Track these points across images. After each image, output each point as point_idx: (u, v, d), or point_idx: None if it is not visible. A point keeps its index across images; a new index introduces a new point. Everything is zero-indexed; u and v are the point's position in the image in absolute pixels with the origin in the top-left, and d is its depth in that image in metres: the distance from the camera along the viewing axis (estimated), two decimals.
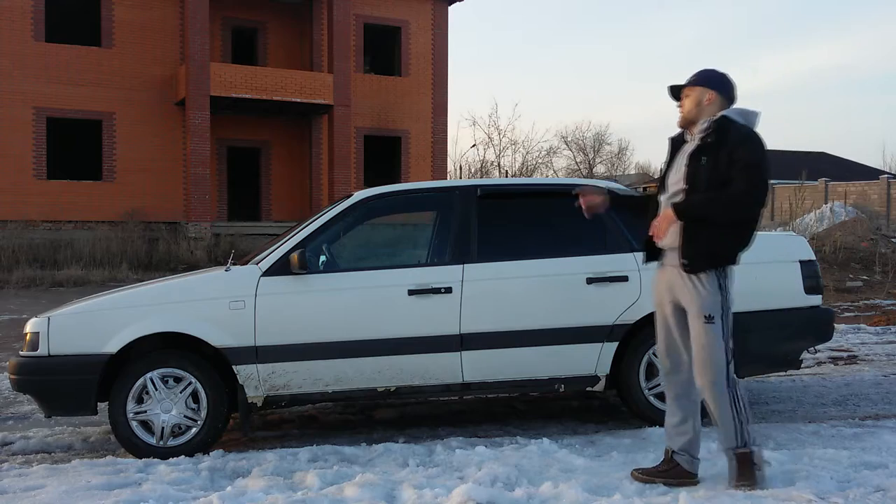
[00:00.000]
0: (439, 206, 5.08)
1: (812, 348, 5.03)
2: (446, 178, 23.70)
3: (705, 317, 3.33)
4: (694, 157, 3.33)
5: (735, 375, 3.36)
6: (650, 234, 3.44)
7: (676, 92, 3.46)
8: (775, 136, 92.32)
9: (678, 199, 3.35)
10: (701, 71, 3.45)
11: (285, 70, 20.27)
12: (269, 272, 4.39)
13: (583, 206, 3.70)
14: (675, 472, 3.48)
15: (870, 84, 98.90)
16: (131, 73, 19.62)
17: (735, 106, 3.41)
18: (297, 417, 5.37)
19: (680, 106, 3.44)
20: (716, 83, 3.39)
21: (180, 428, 4.31)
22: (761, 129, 3.39)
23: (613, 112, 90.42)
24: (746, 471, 3.32)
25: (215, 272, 4.64)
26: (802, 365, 5.07)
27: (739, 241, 3.35)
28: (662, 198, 3.48)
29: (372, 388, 4.44)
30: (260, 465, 3.95)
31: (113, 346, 4.24)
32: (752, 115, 3.40)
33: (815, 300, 4.82)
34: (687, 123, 3.42)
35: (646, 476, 3.48)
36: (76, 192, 19.18)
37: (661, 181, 3.55)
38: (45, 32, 18.88)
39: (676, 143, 3.50)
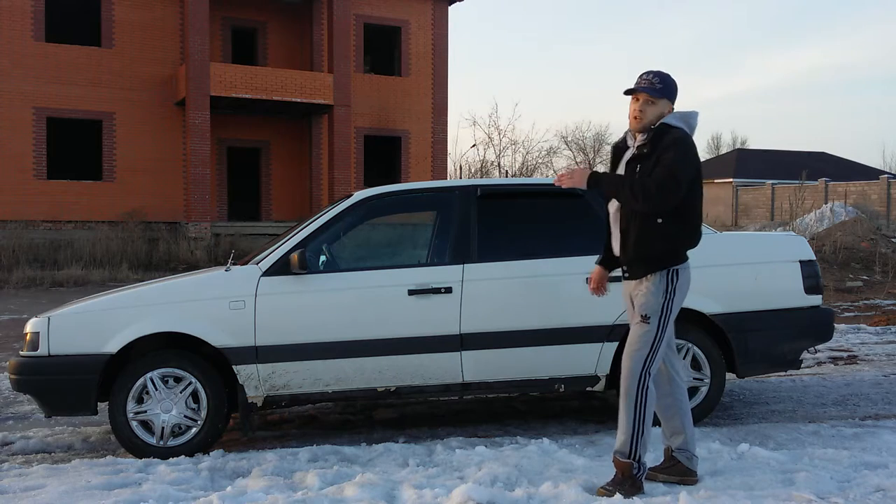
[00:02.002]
0: (439, 206, 5.08)
1: (812, 348, 5.03)
2: (446, 178, 23.69)
3: (641, 316, 3.38)
4: (630, 164, 3.42)
5: (651, 386, 3.36)
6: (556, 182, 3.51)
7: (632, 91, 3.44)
8: (775, 136, 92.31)
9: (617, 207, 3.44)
10: (667, 80, 3.40)
11: (285, 70, 20.26)
12: (269, 272, 4.39)
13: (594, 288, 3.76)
14: (676, 469, 3.52)
15: (870, 84, 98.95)
16: (131, 73, 19.63)
17: (676, 110, 3.45)
18: (297, 417, 5.37)
19: (640, 110, 3.39)
20: (669, 91, 3.41)
21: (180, 428, 4.31)
22: (699, 131, 3.48)
23: (613, 112, 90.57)
24: (618, 480, 3.34)
25: (215, 272, 4.64)
26: (802, 365, 5.08)
27: (675, 244, 3.38)
28: (611, 208, 3.53)
29: (372, 388, 4.44)
30: (260, 465, 3.95)
31: (113, 346, 4.24)
32: (691, 117, 3.45)
33: (816, 300, 4.83)
34: (643, 130, 3.41)
35: (647, 473, 3.48)
36: (76, 192, 19.18)
37: None
38: (45, 32, 18.89)
39: (619, 150, 3.57)
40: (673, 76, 3.46)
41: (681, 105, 3.48)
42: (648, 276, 3.37)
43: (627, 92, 3.43)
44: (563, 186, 3.47)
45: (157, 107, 19.93)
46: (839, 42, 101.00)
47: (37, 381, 4.31)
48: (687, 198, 3.33)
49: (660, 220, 3.31)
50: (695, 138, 3.43)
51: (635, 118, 3.40)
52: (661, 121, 3.38)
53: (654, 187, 3.24)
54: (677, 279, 3.38)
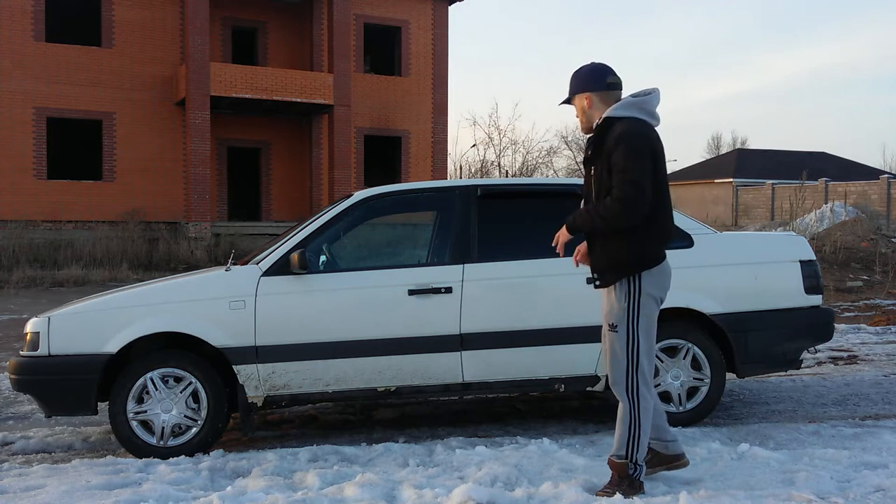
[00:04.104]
0: (439, 206, 5.08)
1: (812, 348, 5.03)
2: (446, 178, 23.68)
3: (609, 325, 3.31)
4: (585, 165, 3.34)
5: (643, 390, 3.28)
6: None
7: (569, 103, 3.42)
8: (776, 136, 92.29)
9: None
10: (571, 77, 3.36)
11: (285, 70, 20.26)
12: (269, 272, 4.39)
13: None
14: (655, 460, 3.49)
15: (870, 84, 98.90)
16: (131, 73, 19.63)
17: (631, 94, 3.29)
18: (297, 417, 5.37)
19: (576, 116, 3.40)
20: (586, 84, 3.30)
21: (180, 428, 4.31)
22: (662, 107, 3.24)
23: None
24: (615, 481, 3.31)
25: (215, 272, 4.64)
26: (802, 365, 5.08)
27: (643, 246, 3.21)
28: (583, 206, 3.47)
29: (372, 387, 4.44)
30: (260, 464, 3.95)
31: (113, 346, 4.24)
32: (645, 101, 3.25)
33: (816, 300, 4.83)
34: (588, 131, 3.36)
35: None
36: (76, 192, 19.19)
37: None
38: (46, 32, 18.89)
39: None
40: (591, 63, 3.35)
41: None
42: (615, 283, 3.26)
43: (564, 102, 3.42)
44: (560, 247, 3.39)
45: (157, 107, 19.93)
46: (839, 42, 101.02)
47: (37, 381, 4.31)
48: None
49: (613, 228, 3.18)
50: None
51: (579, 125, 3.39)
52: (605, 114, 3.24)
53: (619, 206, 3.09)
54: (638, 281, 3.23)
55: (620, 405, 3.35)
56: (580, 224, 3.29)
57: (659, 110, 3.32)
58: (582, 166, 3.36)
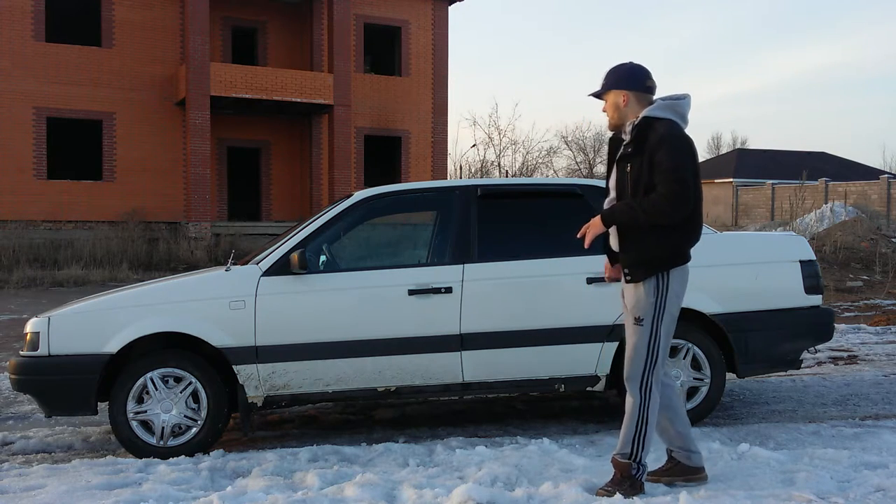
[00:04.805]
0: (439, 206, 5.08)
1: (812, 348, 5.03)
2: (446, 178, 23.69)
3: (635, 318, 3.32)
4: (620, 164, 3.33)
5: (655, 388, 3.29)
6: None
7: (599, 97, 3.43)
8: (776, 136, 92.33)
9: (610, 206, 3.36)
10: (608, 73, 3.39)
11: (285, 70, 20.26)
12: (269, 272, 4.39)
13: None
14: (676, 469, 3.48)
15: (870, 84, 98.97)
16: (131, 73, 19.63)
17: (659, 97, 3.34)
18: (297, 417, 5.37)
19: (604, 111, 3.42)
20: (625, 81, 3.33)
21: (180, 428, 4.31)
22: (700, 128, 3.34)
23: None
24: (617, 480, 3.32)
25: (215, 272, 4.64)
26: (802, 365, 5.07)
27: (676, 245, 3.28)
28: (606, 202, 3.48)
29: (372, 387, 4.44)
30: (260, 464, 3.95)
31: (113, 346, 4.24)
32: (680, 104, 3.31)
33: (816, 300, 4.83)
34: (616, 128, 3.40)
35: (650, 477, 3.47)
36: (76, 192, 19.18)
37: (606, 185, 3.54)
38: (46, 32, 18.89)
39: (615, 145, 3.45)
40: (631, 62, 3.38)
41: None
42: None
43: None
44: (588, 240, 3.37)
45: (157, 107, 19.93)
46: (839, 42, 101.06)
47: (37, 381, 4.31)
48: None
49: (654, 224, 3.21)
50: (689, 129, 3.32)
51: (607, 121, 3.41)
52: (643, 114, 3.27)
53: (667, 202, 3.13)
54: (668, 278, 3.28)
55: (629, 402, 3.34)
56: (620, 218, 3.28)
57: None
58: (617, 161, 3.33)
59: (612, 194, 3.42)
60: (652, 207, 3.16)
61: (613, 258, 3.57)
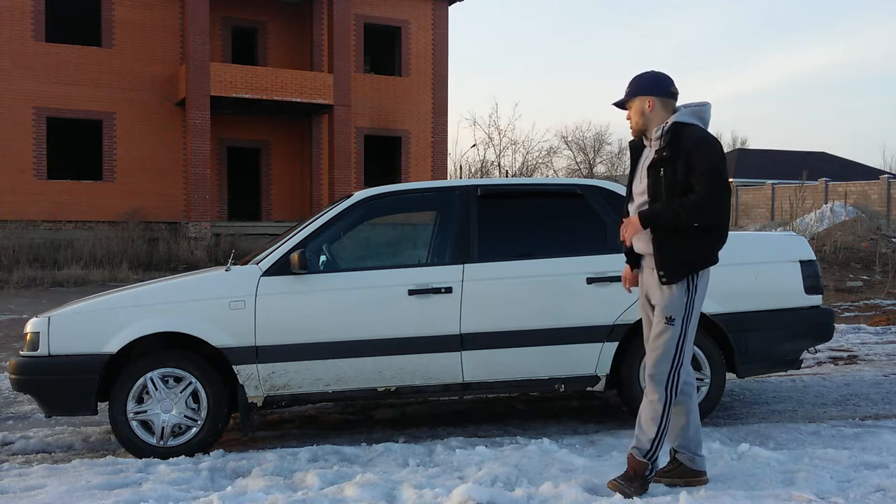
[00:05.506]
0: (439, 206, 5.08)
1: (812, 348, 5.03)
2: (446, 178, 23.68)
3: (666, 318, 3.34)
4: (653, 169, 3.35)
5: (678, 388, 3.33)
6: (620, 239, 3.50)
7: (622, 105, 3.49)
8: (776, 135, 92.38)
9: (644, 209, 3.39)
10: (632, 80, 3.45)
11: (285, 70, 20.26)
12: (269, 272, 4.39)
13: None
14: (678, 471, 3.49)
15: (870, 84, 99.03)
16: (131, 73, 19.63)
17: (682, 104, 3.42)
18: (297, 417, 5.37)
19: (629, 118, 3.47)
20: (650, 88, 3.39)
21: (180, 428, 4.31)
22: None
23: (613, 112, 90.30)
24: (630, 476, 3.34)
25: (215, 272, 4.64)
26: (802, 365, 5.07)
27: (709, 246, 3.35)
28: (631, 207, 3.50)
29: (372, 387, 4.44)
30: (260, 464, 3.95)
31: (113, 346, 4.24)
32: (703, 111, 3.41)
33: (816, 300, 4.83)
34: (639, 134, 3.46)
35: (654, 478, 3.46)
36: (76, 192, 19.18)
37: (628, 190, 3.57)
38: (46, 32, 18.89)
39: (636, 149, 3.52)
40: (653, 70, 3.45)
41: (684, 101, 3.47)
42: None
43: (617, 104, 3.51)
44: (629, 239, 3.45)
45: (157, 107, 19.93)
46: (839, 42, 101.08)
47: (37, 381, 4.31)
48: None
49: (696, 224, 3.27)
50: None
51: (631, 127, 3.47)
52: (673, 119, 3.33)
53: (709, 203, 3.20)
54: (698, 277, 3.35)
55: (650, 401, 3.34)
56: (662, 218, 3.30)
57: None
58: (648, 167, 3.36)
59: (641, 199, 3.42)
60: (693, 207, 3.21)
61: (634, 261, 3.58)
